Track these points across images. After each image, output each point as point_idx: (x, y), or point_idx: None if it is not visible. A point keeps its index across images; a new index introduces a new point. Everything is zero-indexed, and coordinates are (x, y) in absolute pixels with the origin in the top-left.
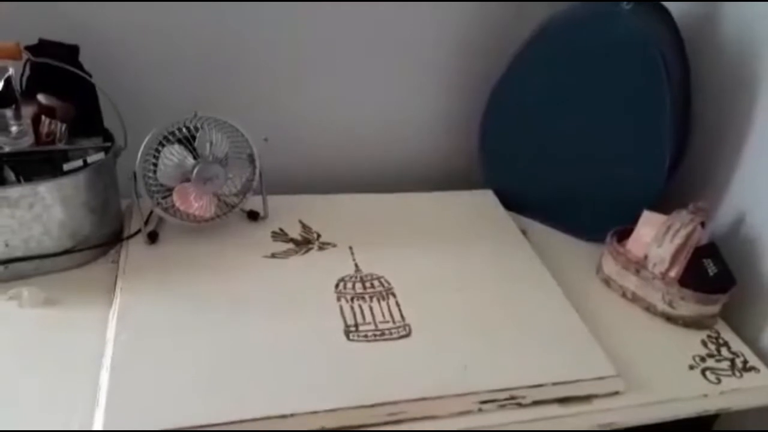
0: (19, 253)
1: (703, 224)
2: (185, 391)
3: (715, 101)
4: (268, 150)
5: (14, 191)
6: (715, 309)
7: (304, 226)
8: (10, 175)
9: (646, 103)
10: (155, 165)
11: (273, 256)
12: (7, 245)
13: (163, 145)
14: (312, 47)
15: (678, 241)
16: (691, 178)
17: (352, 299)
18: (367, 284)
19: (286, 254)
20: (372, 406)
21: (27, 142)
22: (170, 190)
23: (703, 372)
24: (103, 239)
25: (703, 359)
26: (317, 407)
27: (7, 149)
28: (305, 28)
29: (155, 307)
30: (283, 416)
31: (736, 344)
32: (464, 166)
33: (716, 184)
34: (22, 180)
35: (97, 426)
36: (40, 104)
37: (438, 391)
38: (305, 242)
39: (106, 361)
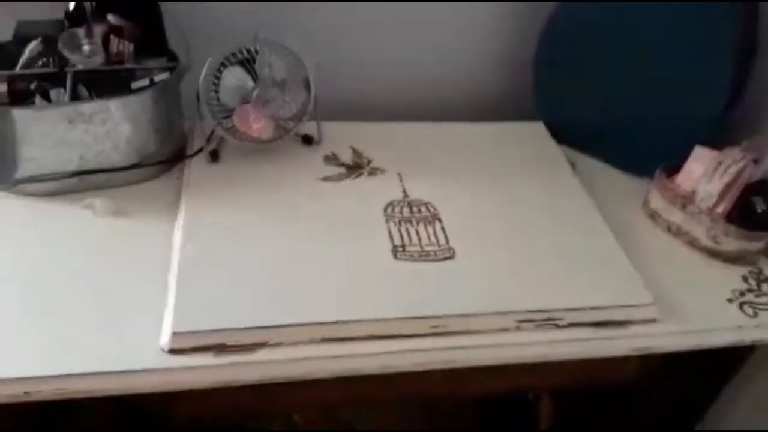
0: (91, 166)
1: (755, 161)
2: (245, 295)
3: None
4: (324, 76)
5: (88, 107)
6: (759, 246)
7: (356, 152)
8: (83, 92)
9: (707, 40)
10: (217, 86)
11: (325, 179)
12: (81, 158)
13: (225, 66)
14: None
15: (727, 177)
16: (747, 118)
17: (399, 222)
18: (414, 209)
19: (338, 178)
20: (416, 318)
21: (98, 60)
22: (231, 110)
23: (740, 305)
24: (167, 156)
25: (742, 293)
26: (365, 316)
27: (80, 67)
28: None
29: (216, 220)
30: (335, 322)
31: None
32: (517, 98)
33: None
34: (94, 96)
35: (167, 326)
36: (109, 24)
37: (479, 308)
38: (356, 167)
39: (173, 267)
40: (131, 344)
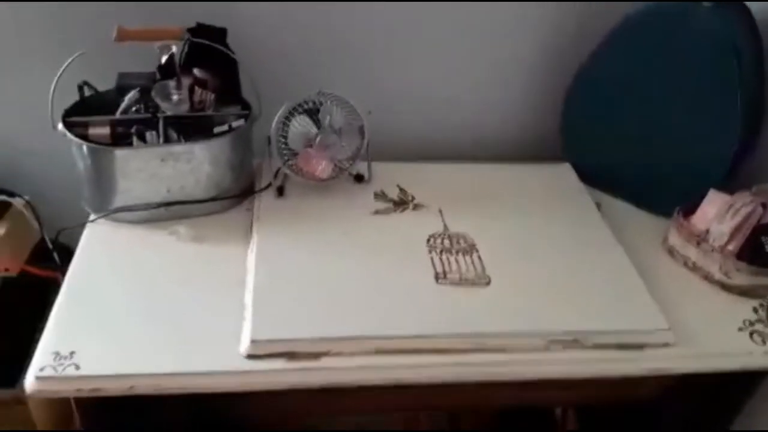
0: (176, 198)
1: (764, 205)
2: (311, 311)
3: None
4: (374, 123)
5: (177, 148)
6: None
7: (401, 189)
8: (173, 135)
9: (718, 95)
10: (286, 131)
11: (376, 212)
12: (168, 191)
13: (293, 115)
14: (414, 34)
15: (738, 218)
16: (759, 165)
17: (440, 252)
18: (454, 241)
19: (386, 212)
20: (458, 335)
21: (184, 108)
22: (296, 153)
23: (750, 334)
24: (240, 191)
25: (752, 323)
26: (412, 332)
27: (170, 113)
28: (409, 19)
29: (284, 246)
30: (388, 337)
31: None
32: (547, 142)
33: None
34: (181, 139)
35: (246, 335)
36: (195, 77)
37: (513, 329)
38: (402, 203)
39: (249, 285)
40: (215, 351)
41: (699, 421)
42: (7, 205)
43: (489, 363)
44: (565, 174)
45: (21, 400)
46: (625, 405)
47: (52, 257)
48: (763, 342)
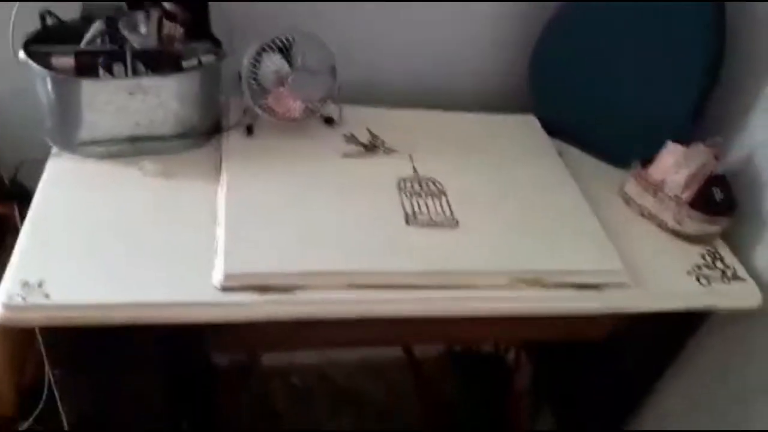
0: (143, 134)
1: (717, 157)
2: (283, 246)
3: (745, 62)
4: (344, 66)
5: (146, 81)
6: (717, 229)
7: (371, 134)
8: (141, 68)
9: (680, 51)
10: (257, 70)
11: (345, 155)
12: (136, 125)
13: (265, 51)
14: None
15: (692, 169)
16: (715, 120)
17: (411, 195)
18: (424, 185)
19: (357, 155)
20: (427, 272)
21: (153, 41)
22: (267, 91)
23: (697, 278)
24: (208, 129)
25: (699, 268)
26: (381, 269)
27: (137, 47)
28: None
29: (254, 184)
30: (360, 273)
31: (731, 260)
32: (515, 95)
33: (735, 128)
34: (150, 73)
35: (219, 268)
36: (164, 9)
37: (478, 268)
38: (372, 147)
39: (221, 220)
40: (189, 283)
41: (647, 357)
42: None
43: (455, 298)
44: (530, 125)
45: None
46: (578, 344)
47: (9, 194)
48: (709, 284)
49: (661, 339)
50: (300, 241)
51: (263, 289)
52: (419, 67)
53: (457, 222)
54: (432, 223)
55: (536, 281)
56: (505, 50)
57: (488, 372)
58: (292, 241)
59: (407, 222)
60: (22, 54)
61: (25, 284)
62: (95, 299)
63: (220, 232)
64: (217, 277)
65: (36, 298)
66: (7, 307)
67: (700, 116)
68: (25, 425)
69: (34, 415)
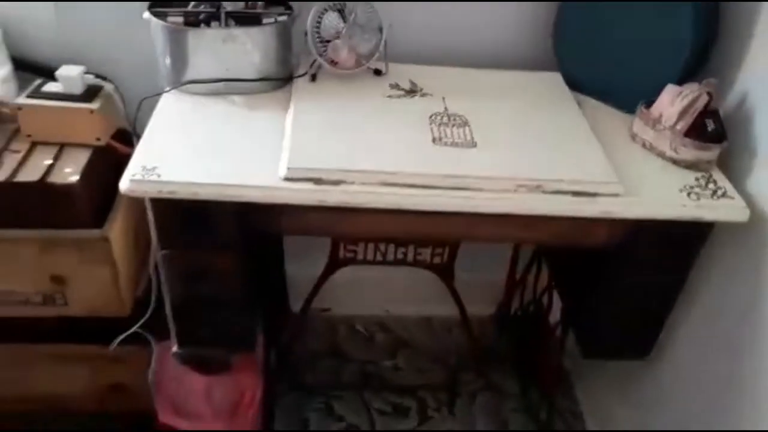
0: (233, 75)
1: (710, 94)
2: (334, 151)
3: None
4: (392, 30)
5: (235, 31)
6: (709, 155)
7: (412, 83)
8: (232, 24)
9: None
10: (319, 27)
11: (389, 97)
12: (227, 69)
13: (326, 11)
14: None
15: (685, 102)
16: (713, 70)
17: (439, 125)
18: (451, 118)
19: (398, 97)
20: (446, 175)
21: (241, 5)
22: (326, 43)
23: (688, 194)
24: (281, 76)
25: (692, 187)
26: (409, 171)
27: (229, 8)
28: None
29: (315, 110)
30: (391, 173)
31: (722, 182)
32: (544, 56)
33: (732, 72)
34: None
35: (284, 163)
36: None
37: (489, 174)
38: (411, 92)
39: (287, 131)
40: (261, 175)
41: (654, 269)
42: (98, 88)
43: (467, 197)
44: (554, 80)
45: (106, 238)
46: (584, 251)
47: (131, 140)
48: (698, 199)
49: (666, 256)
50: (347, 148)
51: (317, 181)
52: (456, 34)
53: (476, 143)
54: (454, 144)
55: (538, 187)
56: (533, 15)
57: (531, 328)
58: (341, 148)
59: (434, 142)
60: (146, 13)
61: (144, 168)
62: (191, 179)
63: (286, 139)
64: (282, 169)
65: (151, 177)
66: (132, 180)
67: (698, 65)
68: (135, 327)
69: (146, 317)
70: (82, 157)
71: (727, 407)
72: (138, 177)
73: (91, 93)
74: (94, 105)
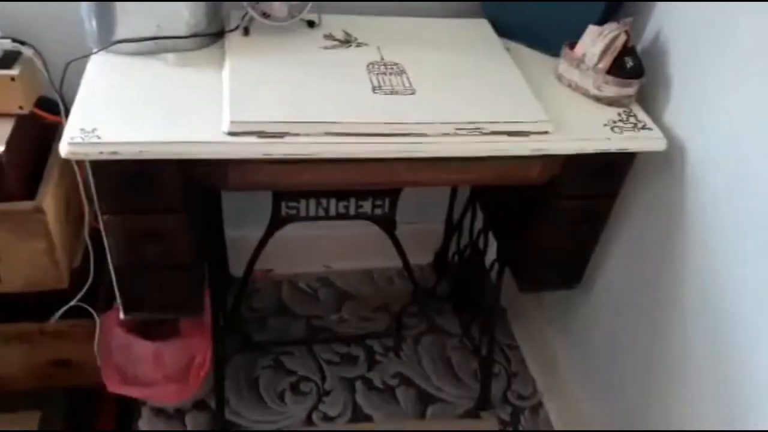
0: (164, 33)
1: (627, 33)
2: (276, 103)
3: None
4: None
5: None
6: (630, 91)
7: (346, 33)
8: None
9: None
10: None
11: (324, 48)
12: (158, 26)
13: None
14: None
15: (606, 41)
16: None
17: (377, 74)
18: (388, 67)
19: (333, 47)
20: (387, 123)
21: None
22: None
23: (612, 128)
24: (213, 31)
25: (614, 122)
26: (351, 119)
27: None
28: None
29: (251, 64)
30: (334, 122)
31: (643, 116)
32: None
33: (649, 9)
34: None
35: (226, 119)
36: None
37: (429, 119)
38: (346, 42)
39: (226, 85)
40: (204, 130)
41: (583, 199)
42: (17, 54)
43: (410, 143)
44: (482, 26)
45: (40, 209)
46: (519, 189)
47: (56, 108)
48: (621, 132)
49: (593, 187)
50: (288, 100)
51: (260, 134)
52: None
53: (414, 91)
54: (393, 92)
55: (475, 129)
56: None
57: (468, 270)
58: (282, 100)
59: (373, 91)
60: None
61: (83, 130)
62: (133, 139)
63: (226, 92)
64: (225, 124)
65: (91, 138)
66: (71, 143)
67: (614, 13)
68: (75, 300)
69: (85, 288)
70: (5, 127)
71: (649, 328)
72: (78, 140)
73: (9, 59)
74: (15, 71)
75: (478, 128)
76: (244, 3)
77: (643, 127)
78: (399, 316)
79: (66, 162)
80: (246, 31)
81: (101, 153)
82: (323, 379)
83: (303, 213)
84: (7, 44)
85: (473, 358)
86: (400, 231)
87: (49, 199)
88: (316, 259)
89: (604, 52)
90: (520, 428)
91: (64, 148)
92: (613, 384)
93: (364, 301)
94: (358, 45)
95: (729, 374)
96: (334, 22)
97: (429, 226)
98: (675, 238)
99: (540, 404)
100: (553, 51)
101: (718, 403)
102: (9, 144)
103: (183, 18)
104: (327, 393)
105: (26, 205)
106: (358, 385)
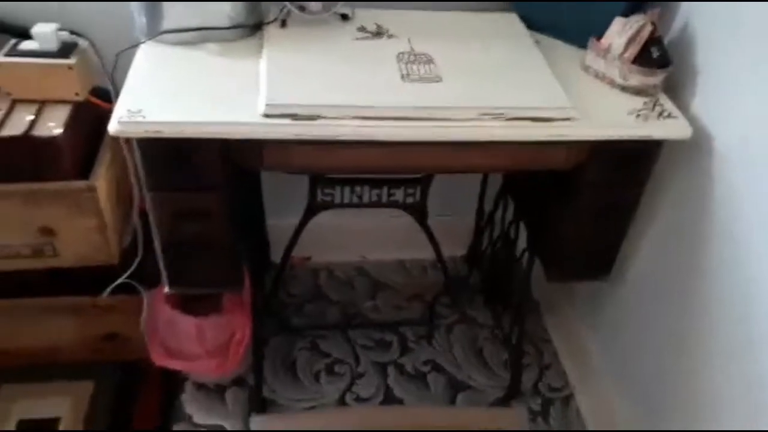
0: (207, 24)
1: (653, 24)
2: (309, 88)
3: None
4: None
5: None
6: (656, 80)
7: (378, 25)
8: None
9: None
10: None
11: (357, 39)
12: (201, 17)
13: None
14: None
15: (631, 32)
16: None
17: (406, 63)
18: (417, 57)
19: (366, 39)
20: (415, 107)
21: None
22: None
23: (636, 116)
24: (253, 23)
25: (639, 110)
26: (380, 104)
27: None
28: None
29: (287, 52)
30: (364, 106)
31: (668, 105)
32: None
33: (675, 3)
34: None
35: (262, 100)
36: None
37: (453, 104)
38: (378, 34)
39: (263, 72)
40: (242, 112)
41: (611, 189)
42: (74, 45)
43: (436, 127)
44: (511, 20)
45: (92, 188)
46: (546, 177)
47: (109, 97)
48: (645, 120)
49: (619, 176)
50: (321, 86)
51: (294, 116)
52: None
53: (441, 78)
54: (421, 80)
55: (499, 115)
56: None
57: (500, 261)
58: (316, 85)
59: (402, 78)
60: None
61: (129, 111)
62: (175, 119)
63: (263, 78)
64: (261, 106)
65: (137, 118)
66: (119, 122)
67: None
68: (124, 276)
69: (133, 266)
70: (63, 112)
71: (675, 326)
72: (125, 119)
73: (66, 49)
74: (72, 60)
75: (502, 113)
76: None
77: (669, 116)
78: (431, 306)
79: (117, 146)
80: (283, 24)
81: (146, 131)
82: (357, 362)
83: (338, 200)
84: (65, 36)
85: (504, 349)
86: (433, 224)
87: (101, 179)
88: (353, 249)
89: (629, 42)
90: (551, 419)
91: (113, 127)
92: (643, 380)
93: (398, 291)
94: (390, 36)
95: (760, 373)
96: (367, 16)
97: (462, 219)
98: (703, 231)
99: (571, 396)
100: (582, 43)
101: (746, 402)
102: (66, 127)
103: (224, 11)
104: (360, 375)
105: (80, 184)
106: (391, 369)
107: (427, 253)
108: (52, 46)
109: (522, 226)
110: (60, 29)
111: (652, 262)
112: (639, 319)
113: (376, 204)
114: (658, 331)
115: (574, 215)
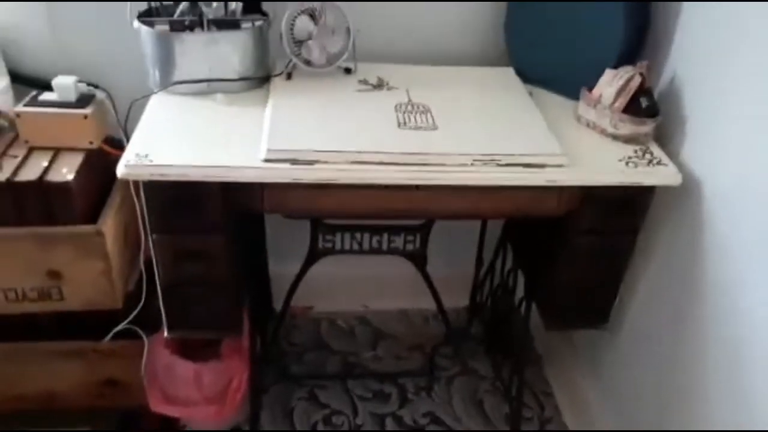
0: (215, 76)
1: (642, 75)
2: (308, 135)
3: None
4: (359, 34)
5: (216, 35)
6: (645, 129)
7: (379, 78)
8: (213, 29)
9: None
10: (293, 29)
11: (359, 91)
12: (210, 70)
13: (298, 15)
14: None
15: (621, 82)
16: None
17: (404, 113)
18: (414, 106)
19: (367, 91)
20: (410, 153)
21: (221, 13)
22: (300, 44)
23: (627, 163)
24: (260, 75)
25: (630, 158)
26: (377, 149)
27: (211, 16)
28: None
29: (291, 102)
30: (360, 152)
31: (658, 152)
32: (492, 49)
33: (664, 55)
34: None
35: (263, 146)
36: None
37: (448, 151)
38: (379, 86)
39: (266, 119)
40: (244, 156)
41: (603, 234)
42: (91, 96)
43: (431, 171)
44: (507, 73)
45: (100, 232)
46: (540, 224)
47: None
48: (635, 167)
49: (612, 222)
50: (320, 133)
51: (293, 161)
52: (419, 37)
53: (437, 127)
54: (417, 128)
55: (492, 161)
56: (487, 17)
57: (499, 309)
58: (315, 133)
59: (399, 126)
60: (136, 23)
61: (137, 155)
62: (180, 162)
63: (266, 125)
64: (263, 152)
65: (144, 161)
66: (127, 165)
67: (631, 55)
68: (127, 321)
69: (137, 310)
70: (76, 159)
71: (673, 374)
72: (132, 162)
73: (84, 100)
74: (88, 110)
75: (495, 160)
76: (288, 51)
77: (658, 163)
78: (432, 357)
79: (127, 193)
80: (289, 76)
81: (152, 174)
82: (355, 413)
83: (338, 246)
84: (82, 87)
85: (504, 402)
86: (435, 275)
87: (109, 224)
88: (355, 299)
89: (619, 92)
90: None
91: (120, 170)
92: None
93: (399, 340)
94: (389, 88)
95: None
96: (370, 70)
97: (464, 270)
98: (694, 276)
99: None
100: (575, 95)
101: None
102: (78, 173)
103: (233, 63)
104: (358, 428)
105: (88, 228)
106: (389, 421)
107: (429, 303)
108: (71, 97)
109: (520, 274)
110: (79, 81)
111: (648, 308)
112: (637, 367)
113: (377, 251)
114: (656, 379)
115: (569, 262)
